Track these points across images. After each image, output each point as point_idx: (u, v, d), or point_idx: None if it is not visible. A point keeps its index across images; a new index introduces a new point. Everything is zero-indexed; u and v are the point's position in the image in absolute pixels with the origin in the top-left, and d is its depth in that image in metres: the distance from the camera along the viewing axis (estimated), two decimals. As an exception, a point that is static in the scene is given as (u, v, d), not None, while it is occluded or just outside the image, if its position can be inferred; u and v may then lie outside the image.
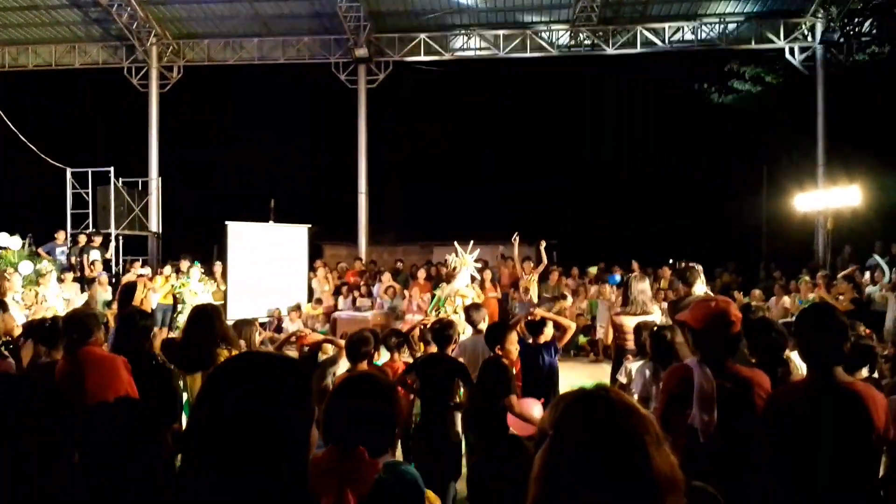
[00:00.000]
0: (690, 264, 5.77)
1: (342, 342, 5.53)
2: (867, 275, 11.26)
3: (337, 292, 13.96)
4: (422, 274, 12.99)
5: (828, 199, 14.02)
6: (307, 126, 20.13)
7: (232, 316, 12.27)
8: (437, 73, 16.80)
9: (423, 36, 16.02)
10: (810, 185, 15.12)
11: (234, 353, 4.32)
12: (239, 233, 13.66)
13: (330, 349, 5.41)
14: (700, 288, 5.56)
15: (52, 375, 3.72)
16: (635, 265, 12.84)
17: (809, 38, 15.13)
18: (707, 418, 2.93)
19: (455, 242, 8.70)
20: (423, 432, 4.63)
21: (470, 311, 5.92)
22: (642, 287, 5.61)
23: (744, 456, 2.86)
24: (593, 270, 13.73)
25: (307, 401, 1.40)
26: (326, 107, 18.36)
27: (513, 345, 4.79)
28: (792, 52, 15.29)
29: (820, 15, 14.66)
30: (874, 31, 14.93)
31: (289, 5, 15.46)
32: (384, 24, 15.92)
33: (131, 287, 7.11)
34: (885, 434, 2.67)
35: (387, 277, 13.39)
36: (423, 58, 16.25)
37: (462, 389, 4.77)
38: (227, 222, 13.51)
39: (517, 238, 10.37)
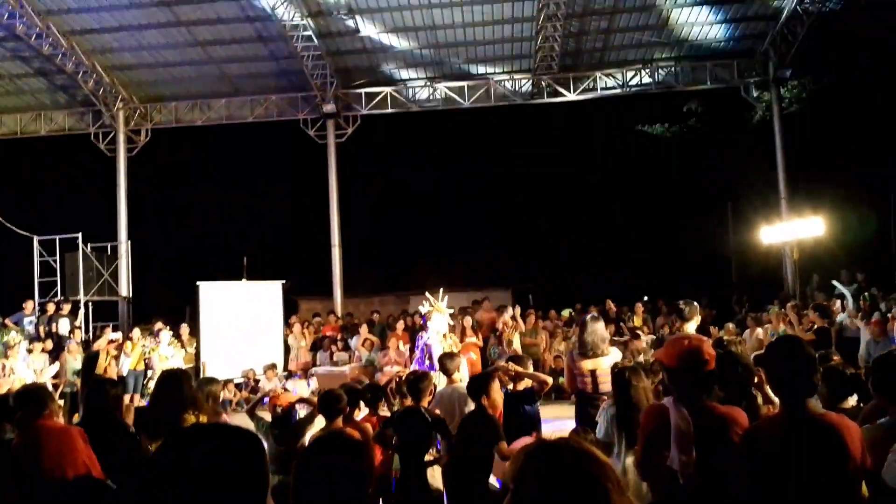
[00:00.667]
0: (687, 300, 5.76)
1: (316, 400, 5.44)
2: (838, 303, 11.44)
3: (314, 347, 13.79)
4: (399, 325, 12.92)
5: (792, 230, 14.32)
6: (278, 182, 20.17)
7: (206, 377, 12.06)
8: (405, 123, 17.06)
9: (388, 90, 16.29)
10: (775, 217, 15.45)
11: (202, 418, 4.23)
12: (211, 292, 13.53)
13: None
14: (692, 325, 5.58)
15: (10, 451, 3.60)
16: (593, 308, 12.86)
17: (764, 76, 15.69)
18: (685, 459, 2.91)
19: (427, 293, 8.62)
20: (402, 487, 4.54)
21: (444, 360, 5.86)
22: (594, 328, 5.56)
23: (723, 496, 2.83)
24: (566, 313, 13.78)
25: (259, 472, 1.36)
26: (296, 162, 18.46)
27: (498, 394, 4.72)
28: (747, 89, 15.82)
29: (772, 54, 15.22)
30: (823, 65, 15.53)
31: (255, 65, 15.66)
32: (350, 79, 16.18)
33: (94, 356, 6.96)
34: (862, 464, 2.66)
35: (364, 330, 13.28)
36: (389, 111, 16.51)
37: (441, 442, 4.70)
38: (198, 282, 13.38)
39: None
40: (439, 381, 6.31)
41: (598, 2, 13.66)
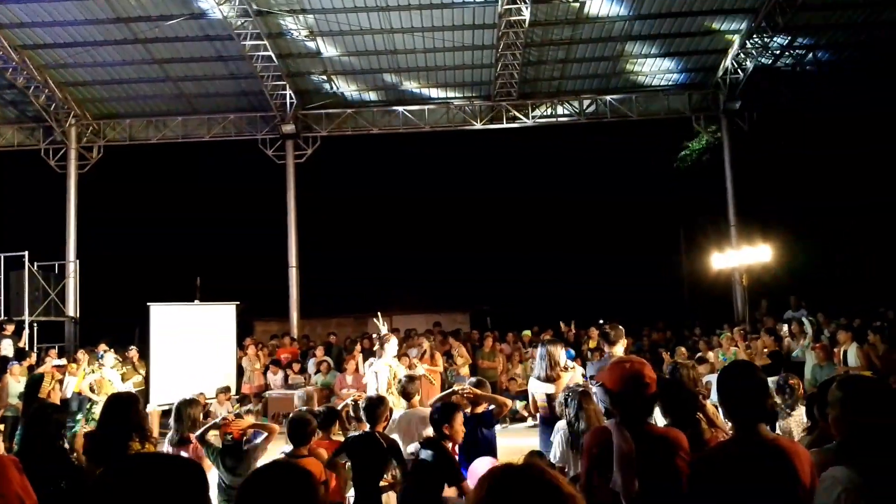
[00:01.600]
0: (613, 324, 5.85)
1: (274, 426, 5.33)
2: (785, 327, 11.78)
3: (270, 369, 13.55)
4: (357, 347, 12.79)
5: (741, 256, 14.75)
6: (234, 202, 19.88)
7: (156, 401, 11.71)
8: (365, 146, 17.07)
9: (349, 111, 16.31)
10: (726, 243, 15.90)
11: (148, 446, 4.12)
12: (162, 314, 13.18)
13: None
14: (620, 348, 5.67)
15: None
16: (558, 328, 12.97)
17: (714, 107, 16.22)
18: (627, 481, 2.93)
19: (379, 313, 8.47)
20: None
21: (405, 384, 5.82)
22: (552, 351, 5.61)
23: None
24: (527, 334, 13.85)
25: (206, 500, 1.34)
26: (254, 182, 18.23)
27: (460, 425, 4.63)
28: (698, 120, 16.33)
29: (722, 87, 15.76)
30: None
31: (214, 84, 15.51)
32: (310, 100, 16.15)
33: (38, 379, 6.70)
34: (812, 488, 2.72)
35: (320, 352, 13.12)
36: (350, 132, 16.52)
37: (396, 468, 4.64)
38: (149, 304, 13.04)
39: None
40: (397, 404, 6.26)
41: (556, 32, 13.97)
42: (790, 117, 16.56)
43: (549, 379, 5.51)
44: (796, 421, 4.70)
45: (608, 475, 2.92)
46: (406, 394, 5.65)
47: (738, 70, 15.05)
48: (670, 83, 16.13)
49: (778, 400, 5.06)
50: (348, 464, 4.74)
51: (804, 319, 11.42)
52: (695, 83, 16.12)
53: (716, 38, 14.63)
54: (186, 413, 5.00)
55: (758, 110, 16.02)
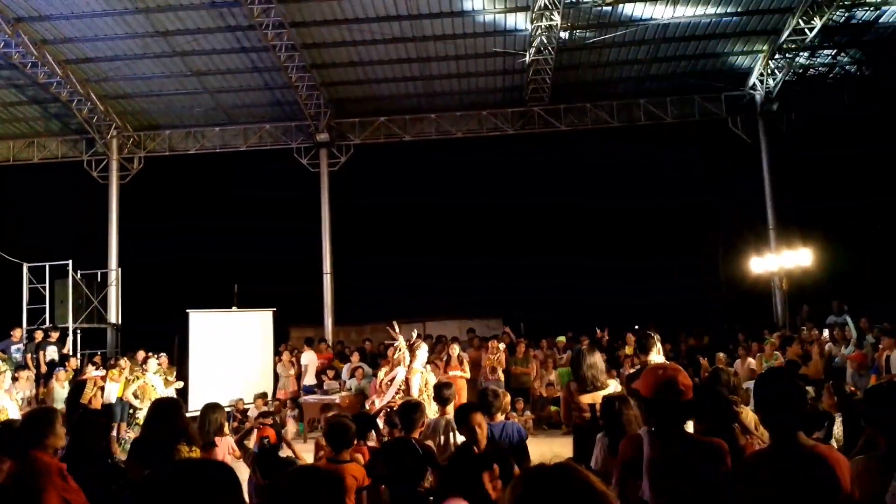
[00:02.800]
0: (647, 332, 5.76)
1: (301, 454, 5.33)
2: (825, 333, 11.51)
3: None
4: (391, 353, 12.83)
5: (780, 260, 14.44)
6: (270, 210, 20.16)
7: (194, 408, 11.93)
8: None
9: (382, 119, 16.46)
10: (764, 247, 15.59)
11: (195, 450, 4.20)
12: (201, 321, 13.46)
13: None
14: (655, 356, 5.59)
15: None
16: (584, 338, 12.84)
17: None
18: (655, 489, 2.91)
19: (394, 322, 8.40)
20: None
21: (441, 388, 5.82)
22: (592, 361, 5.47)
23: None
24: (562, 340, 13.75)
25: None
26: (288, 190, 18.48)
27: (479, 427, 4.62)
28: (735, 122, 16.06)
29: (758, 88, 15.50)
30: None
31: (249, 96, 15.81)
32: (344, 109, 16.35)
33: (81, 385, 6.89)
34: (851, 495, 2.68)
35: (355, 358, 13.21)
36: (383, 140, 16.66)
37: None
38: (188, 311, 13.31)
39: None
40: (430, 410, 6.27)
41: (589, 36, 13.91)
42: (828, 117, 16.18)
43: (594, 388, 5.38)
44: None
45: (638, 482, 2.91)
46: (442, 399, 5.66)
47: (776, 71, 14.79)
48: (705, 86, 15.89)
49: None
50: None
51: (848, 321, 11.13)
52: (731, 85, 15.86)
53: (751, 40, 14.41)
54: (212, 418, 5.10)
55: (796, 111, 15.71)
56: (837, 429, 4.58)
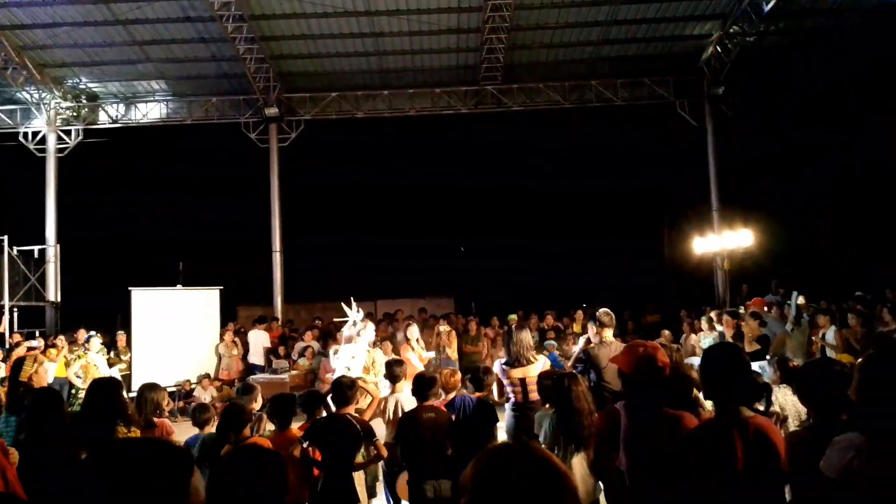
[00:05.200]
0: (603, 309, 5.89)
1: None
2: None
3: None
4: (342, 334, 12.76)
5: (722, 241, 14.87)
6: (217, 186, 19.70)
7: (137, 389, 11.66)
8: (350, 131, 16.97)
9: (334, 95, 16.20)
10: (708, 228, 16.03)
11: (134, 430, 4.13)
12: (145, 299, 13.11)
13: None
14: (610, 332, 5.72)
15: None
16: (514, 316, 13.04)
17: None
18: (632, 461, 3.00)
19: (351, 299, 8.33)
20: (324, 495, 4.48)
21: (392, 365, 5.83)
22: (520, 338, 5.64)
23: (670, 496, 2.93)
24: (513, 318, 13.90)
25: (182, 487, 1.36)
26: (236, 166, 18.07)
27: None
28: (682, 106, 16.38)
29: (705, 72, 15.81)
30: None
31: (195, 67, 15.32)
32: (294, 83, 16.02)
33: (19, 362, 6.65)
34: (785, 464, 2.81)
35: (308, 336, 13.08)
36: (334, 116, 16.41)
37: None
38: (131, 289, 12.96)
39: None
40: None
41: (543, 16, 13.92)
42: (773, 101, 16.65)
43: (521, 363, 5.55)
44: (794, 401, 4.82)
45: (614, 455, 2.99)
46: (392, 376, 5.67)
47: (723, 55, 15.11)
48: (654, 69, 16.12)
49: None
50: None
51: (793, 300, 11.56)
52: (679, 68, 16.14)
53: (699, 24, 14.67)
54: (149, 398, 5.02)
55: (741, 95, 16.10)
56: (783, 399, 4.79)
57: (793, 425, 4.68)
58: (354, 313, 7.78)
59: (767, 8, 13.17)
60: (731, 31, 14.37)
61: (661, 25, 14.56)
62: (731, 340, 8.55)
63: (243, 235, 18.15)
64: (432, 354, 8.80)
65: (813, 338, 9.43)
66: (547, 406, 4.95)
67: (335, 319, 7.76)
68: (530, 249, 20.23)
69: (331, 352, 8.31)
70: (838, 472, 2.54)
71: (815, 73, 15.48)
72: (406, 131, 18.50)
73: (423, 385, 4.89)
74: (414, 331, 8.29)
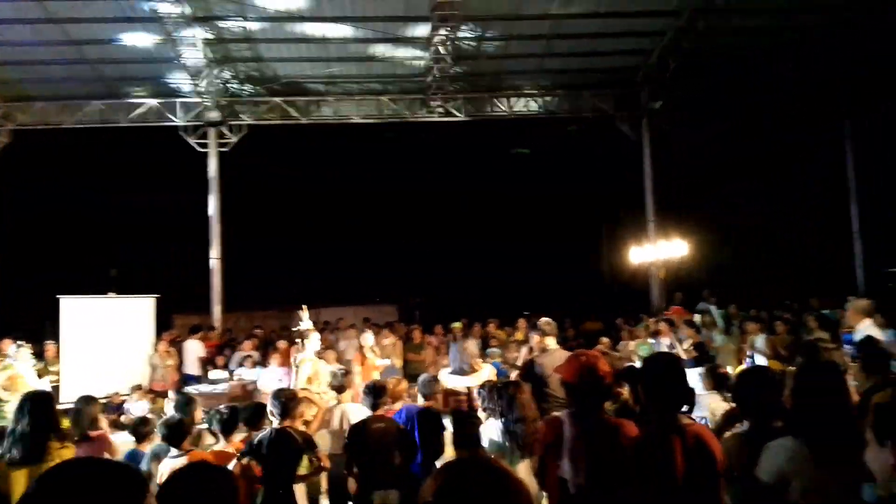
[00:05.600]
0: (544, 318, 6.01)
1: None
2: (697, 318, 12.36)
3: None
4: (282, 343, 12.57)
5: (658, 251, 15.34)
6: (153, 190, 19.14)
7: (66, 401, 11.17)
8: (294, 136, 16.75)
9: (278, 100, 15.98)
10: (644, 237, 16.51)
11: (68, 448, 3.99)
12: (74, 308, 12.60)
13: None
14: (552, 340, 5.84)
15: None
16: (458, 324, 13.15)
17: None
18: (576, 469, 3.07)
19: (304, 306, 8.27)
20: None
21: (340, 377, 5.79)
22: (465, 347, 5.72)
23: (610, 502, 3.01)
24: (457, 326, 13.97)
25: None
26: (174, 170, 17.59)
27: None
28: (622, 119, 16.83)
29: (644, 87, 16.31)
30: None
31: (132, 68, 14.86)
32: (236, 87, 15.71)
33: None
34: (722, 465, 2.93)
35: (247, 346, 12.82)
36: (278, 122, 16.19)
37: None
38: (59, 297, 12.44)
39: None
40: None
41: (488, 28, 14.09)
42: (708, 116, 17.28)
43: (466, 372, 5.61)
44: (723, 407, 5.01)
45: (558, 463, 3.04)
46: (339, 387, 5.63)
47: (659, 71, 15.61)
48: (595, 82, 16.52)
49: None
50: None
51: (713, 310, 12.01)
52: (619, 82, 16.58)
53: (638, 39, 15.11)
54: (86, 411, 4.87)
55: (677, 110, 16.65)
56: (714, 405, 4.98)
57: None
58: (308, 321, 7.71)
59: (701, 27, 13.72)
60: (668, 48, 14.87)
61: (602, 40, 14.93)
62: (676, 347, 8.82)
63: (181, 242, 17.68)
64: (387, 362, 8.75)
65: (742, 345, 9.82)
66: (491, 415, 5.01)
67: (295, 328, 7.63)
68: (472, 258, 20.42)
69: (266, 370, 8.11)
70: (772, 476, 2.67)
71: (742, 93, 16.17)
72: (349, 136, 18.42)
73: (374, 394, 4.88)
74: (368, 338, 8.24)
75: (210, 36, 13.69)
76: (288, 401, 4.69)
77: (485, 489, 1.34)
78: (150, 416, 9.79)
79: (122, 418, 9.87)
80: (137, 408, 11.79)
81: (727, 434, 3.97)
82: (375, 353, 8.39)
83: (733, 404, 4.88)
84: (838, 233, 17.30)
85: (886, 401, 3.14)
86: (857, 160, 17.09)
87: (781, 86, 15.97)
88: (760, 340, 9.49)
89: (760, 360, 8.84)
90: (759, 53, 15.13)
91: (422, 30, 13.79)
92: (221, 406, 4.89)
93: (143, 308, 13.59)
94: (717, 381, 5.27)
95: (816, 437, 2.64)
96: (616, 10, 13.73)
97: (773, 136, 17.59)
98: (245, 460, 4.45)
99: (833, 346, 4.79)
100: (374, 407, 4.86)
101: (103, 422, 5.03)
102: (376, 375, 7.71)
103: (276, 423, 4.65)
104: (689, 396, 3.16)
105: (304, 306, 7.95)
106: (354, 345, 11.88)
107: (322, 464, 4.65)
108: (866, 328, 6.52)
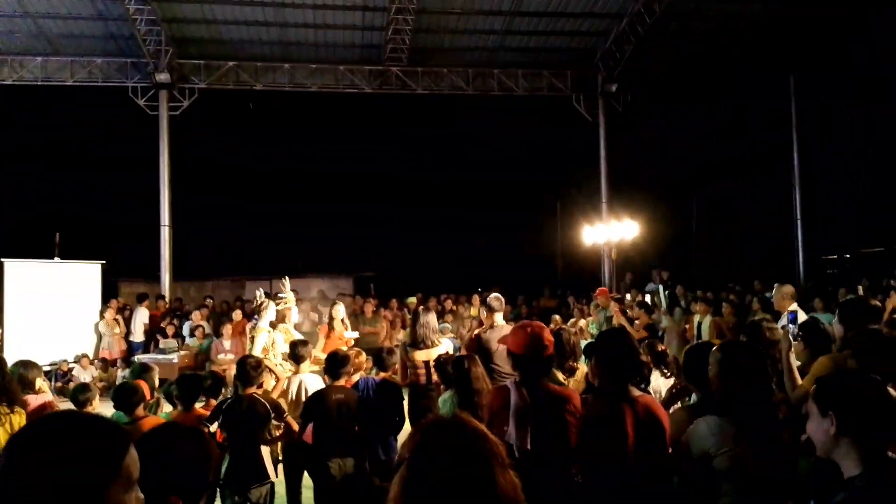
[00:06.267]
0: (494, 294, 6.12)
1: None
2: (647, 298, 12.71)
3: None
4: (236, 312, 12.45)
5: (610, 231, 15.65)
6: (100, 153, 18.47)
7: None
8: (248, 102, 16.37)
9: (231, 64, 15.58)
10: (597, 218, 16.81)
11: (18, 411, 3.93)
12: (18, 272, 12.18)
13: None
14: (500, 316, 5.94)
15: None
16: (413, 298, 13.29)
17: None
18: (521, 435, 3.18)
19: (286, 277, 8.25)
20: (233, 471, 4.46)
21: (296, 346, 5.78)
22: (425, 320, 5.80)
23: (555, 467, 3.13)
24: (412, 301, 14.04)
25: (119, 465, 1.32)
26: (123, 132, 17.01)
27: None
28: (578, 100, 16.99)
29: (600, 69, 16.49)
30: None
31: (78, 25, 14.26)
32: (188, 50, 15.26)
33: None
34: (670, 437, 3.08)
35: (197, 316, 12.63)
36: (231, 87, 15.80)
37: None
38: (3, 260, 12.00)
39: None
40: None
41: (449, 1, 14.00)
42: (663, 98, 17.60)
43: (426, 345, 5.68)
44: (665, 383, 5.20)
45: (504, 429, 3.15)
46: (296, 356, 5.63)
47: (616, 53, 15.80)
48: (553, 62, 16.62)
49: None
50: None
51: (660, 291, 12.36)
52: (576, 63, 16.72)
53: (596, 21, 15.24)
54: (23, 376, 4.77)
55: (632, 92, 16.91)
56: (654, 381, 5.17)
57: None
58: (289, 291, 7.69)
59: (658, 11, 13.93)
60: (625, 30, 15.04)
61: (561, 20, 15.01)
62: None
63: (129, 207, 17.18)
64: (356, 335, 8.74)
65: (686, 326, 10.15)
66: (447, 387, 5.10)
67: (279, 297, 7.58)
68: (429, 233, 20.46)
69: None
70: (696, 452, 2.82)
71: (705, 73, 16.50)
72: (305, 106, 18.11)
73: (336, 363, 4.92)
74: (340, 310, 8.17)
75: (162, -5, 13.25)
76: (253, 368, 4.69)
77: (461, 446, 1.41)
78: (96, 383, 9.64)
79: (71, 385, 9.65)
80: (85, 376, 11.58)
81: (675, 407, 4.16)
82: (345, 326, 8.34)
83: (672, 380, 5.12)
84: (783, 219, 17.94)
85: (826, 373, 3.35)
86: (801, 151, 17.67)
87: (735, 73, 16.38)
88: (707, 321, 9.83)
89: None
90: (715, 40, 15.46)
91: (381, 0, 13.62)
92: (186, 373, 4.85)
93: (89, 274, 13.24)
94: (656, 359, 5.46)
95: (738, 415, 2.79)
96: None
97: (723, 121, 18.04)
98: (211, 427, 4.46)
99: (776, 325, 5.02)
100: (335, 377, 4.89)
101: (45, 387, 4.91)
102: (343, 348, 7.71)
103: (240, 391, 4.65)
104: (640, 369, 3.29)
105: (286, 277, 7.92)
106: (312, 317, 11.87)
107: (290, 427, 4.71)
108: (796, 312, 6.92)
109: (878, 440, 1.93)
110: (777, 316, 5.96)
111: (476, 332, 5.95)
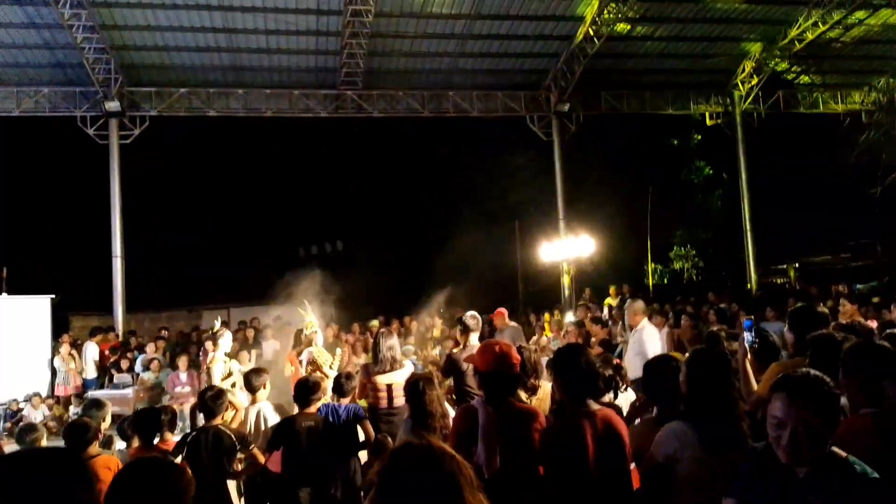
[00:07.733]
0: (471, 312, 6.13)
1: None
2: (605, 311, 12.88)
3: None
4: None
5: (567, 249, 15.84)
6: (48, 184, 18.02)
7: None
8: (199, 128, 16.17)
9: (183, 91, 15.39)
10: (555, 235, 17.00)
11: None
12: (-38, 308, 11.74)
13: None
14: (475, 336, 5.94)
15: None
16: (376, 322, 13.28)
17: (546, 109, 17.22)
18: (490, 455, 3.17)
19: (305, 302, 8.18)
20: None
21: (250, 376, 5.67)
22: (390, 343, 5.76)
23: (524, 485, 3.13)
24: (375, 324, 13.93)
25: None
26: (72, 164, 16.62)
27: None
28: (532, 120, 17.23)
29: (553, 89, 16.79)
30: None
31: (24, 54, 13.95)
32: (139, 77, 15.03)
33: None
34: (630, 448, 3.11)
35: (151, 348, 12.29)
36: (184, 113, 15.59)
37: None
38: (-54, 297, 11.57)
39: None
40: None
41: (402, 25, 14.13)
42: (613, 117, 17.98)
43: (390, 369, 5.63)
44: (626, 399, 5.24)
45: (472, 449, 3.13)
46: (251, 387, 5.52)
47: (567, 73, 16.12)
48: (507, 83, 16.85)
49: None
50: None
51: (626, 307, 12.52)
52: (529, 84, 16.99)
53: (547, 43, 15.55)
54: None
55: (583, 110, 17.24)
56: (609, 395, 5.22)
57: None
58: (312, 315, 7.59)
59: (605, 34, 14.34)
60: (575, 51, 15.38)
61: (513, 42, 15.27)
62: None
63: (79, 239, 16.74)
64: (334, 373, 8.58)
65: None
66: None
67: (303, 326, 7.52)
68: (388, 254, 20.40)
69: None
70: (662, 457, 2.86)
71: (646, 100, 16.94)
72: (261, 131, 18.01)
73: (306, 390, 4.85)
74: (319, 339, 7.80)
75: (106, 21, 13.05)
76: (214, 399, 4.60)
77: (430, 469, 1.40)
78: (47, 423, 9.29)
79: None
80: (36, 415, 11.15)
81: (638, 421, 4.19)
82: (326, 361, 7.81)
83: (632, 395, 5.17)
84: (734, 232, 18.40)
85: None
86: (749, 167, 18.19)
87: (683, 89, 16.88)
88: (663, 334, 9.97)
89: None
90: (662, 60, 15.95)
91: (334, 23, 13.66)
92: (139, 408, 4.72)
93: (37, 308, 12.81)
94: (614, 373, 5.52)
95: (703, 422, 2.84)
96: (525, 13, 14.10)
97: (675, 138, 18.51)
98: (176, 460, 4.33)
99: (732, 336, 5.14)
100: (305, 404, 4.82)
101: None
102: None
103: (203, 423, 4.55)
104: (596, 383, 3.33)
105: (306, 301, 7.85)
106: (274, 347, 11.69)
107: (256, 459, 4.60)
108: (644, 326, 7.21)
109: None
110: (733, 326, 6.11)
111: (449, 351, 5.93)
